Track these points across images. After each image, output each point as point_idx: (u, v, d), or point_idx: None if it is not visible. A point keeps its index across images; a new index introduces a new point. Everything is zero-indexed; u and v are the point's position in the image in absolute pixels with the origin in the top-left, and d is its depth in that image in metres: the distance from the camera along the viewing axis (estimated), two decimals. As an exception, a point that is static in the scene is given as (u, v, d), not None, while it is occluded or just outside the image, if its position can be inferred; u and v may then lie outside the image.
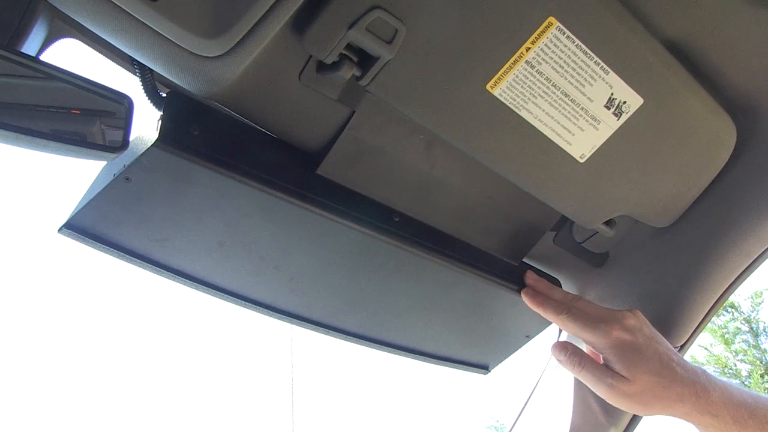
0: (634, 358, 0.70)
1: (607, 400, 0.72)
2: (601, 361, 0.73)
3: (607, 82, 0.65)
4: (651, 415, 0.73)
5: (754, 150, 0.80)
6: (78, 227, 0.64)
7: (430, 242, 0.75)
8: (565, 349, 0.76)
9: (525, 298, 0.80)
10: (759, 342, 5.76)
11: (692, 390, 0.69)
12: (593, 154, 0.70)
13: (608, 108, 0.66)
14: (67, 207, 0.64)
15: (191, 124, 0.59)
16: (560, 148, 0.68)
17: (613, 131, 0.68)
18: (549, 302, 0.77)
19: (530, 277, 0.83)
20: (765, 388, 5.53)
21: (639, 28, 0.64)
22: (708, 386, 0.70)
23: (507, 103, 0.62)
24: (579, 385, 0.93)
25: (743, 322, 5.80)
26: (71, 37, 0.65)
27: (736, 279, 0.87)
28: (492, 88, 0.61)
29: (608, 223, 0.83)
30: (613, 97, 0.66)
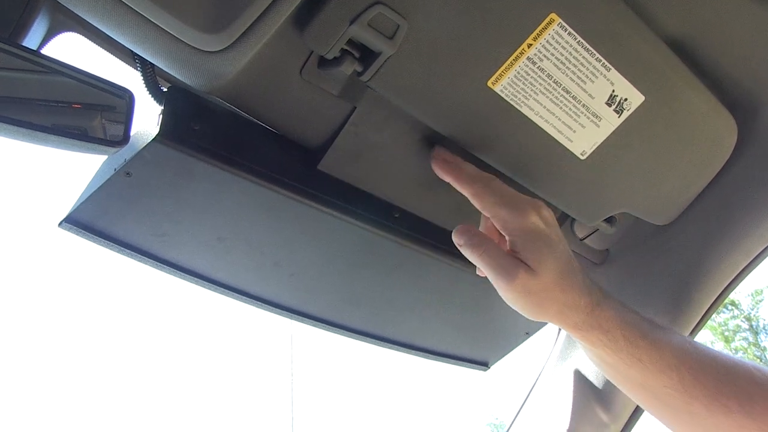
0: (546, 250, 0.61)
1: (505, 294, 0.62)
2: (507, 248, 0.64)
3: (608, 79, 0.64)
4: (541, 320, 0.64)
5: (755, 148, 0.80)
6: (78, 221, 0.64)
7: (431, 238, 0.75)
8: (468, 231, 0.65)
9: (435, 168, 0.68)
10: (759, 340, 5.77)
11: (588, 300, 0.62)
12: (594, 151, 0.70)
13: (609, 105, 0.66)
14: (68, 201, 0.64)
15: (192, 119, 0.59)
16: (561, 144, 0.68)
17: (615, 128, 0.68)
18: (463, 172, 0.66)
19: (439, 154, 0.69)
20: (764, 387, 5.53)
21: (641, 25, 0.64)
22: (603, 301, 0.63)
23: (508, 99, 0.62)
24: (579, 383, 0.93)
25: (743, 319, 5.80)
26: (72, 30, 0.64)
27: (737, 277, 0.87)
28: (493, 84, 0.61)
29: (609, 220, 0.83)
30: (614, 94, 0.66)
